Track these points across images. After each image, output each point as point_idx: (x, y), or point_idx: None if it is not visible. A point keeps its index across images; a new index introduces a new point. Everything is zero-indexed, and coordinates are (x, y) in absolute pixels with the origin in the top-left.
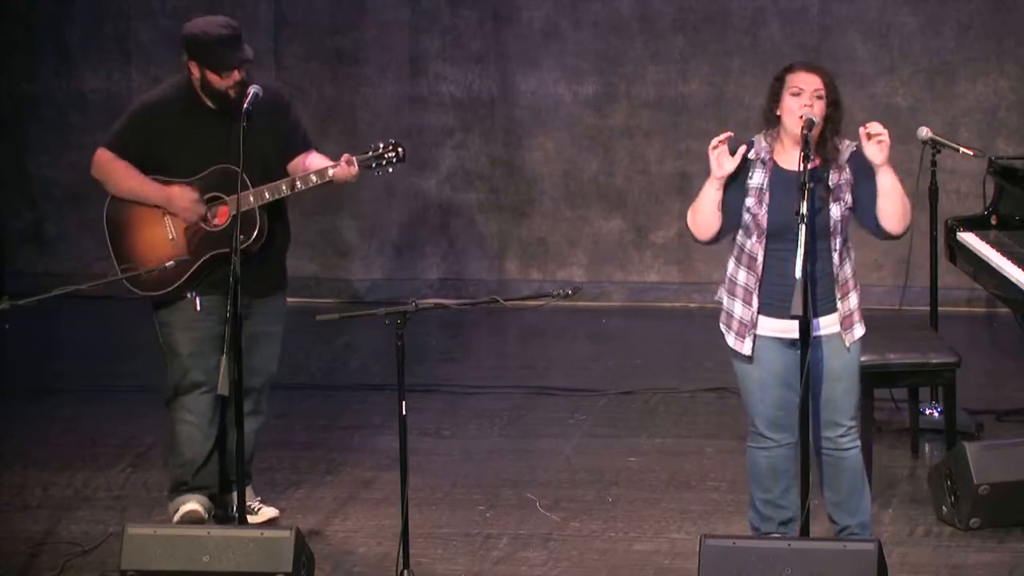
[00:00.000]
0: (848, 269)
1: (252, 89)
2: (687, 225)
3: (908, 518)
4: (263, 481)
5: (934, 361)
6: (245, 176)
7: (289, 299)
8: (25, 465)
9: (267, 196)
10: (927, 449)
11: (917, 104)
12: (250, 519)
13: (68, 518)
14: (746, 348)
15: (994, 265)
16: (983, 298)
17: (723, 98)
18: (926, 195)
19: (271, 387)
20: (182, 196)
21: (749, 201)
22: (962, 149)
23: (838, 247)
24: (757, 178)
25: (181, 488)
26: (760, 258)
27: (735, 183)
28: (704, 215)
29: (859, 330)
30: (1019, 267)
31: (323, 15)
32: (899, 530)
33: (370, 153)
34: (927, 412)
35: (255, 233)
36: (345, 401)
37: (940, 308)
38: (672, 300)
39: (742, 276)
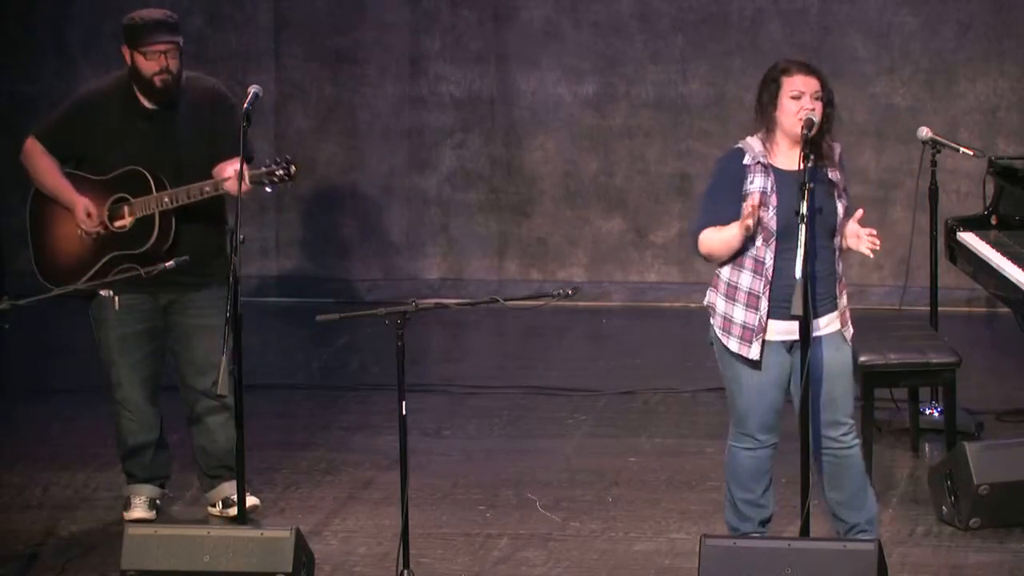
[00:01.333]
0: (841, 267)
1: (252, 89)
2: (698, 250)
3: (908, 518)
4: (263, 481)
5: (934, 361)
6: (149, 176)
7: (289, 299)
8: (25, 465)
9: (167, 202)
10: (927, 449)
11: (917, 104)
12: (232, 512)
13: (68, 518)
14: (753, 353)
15: (994, 265)
16: (983, 298)
17: (723, 98)
18: (926, 195)
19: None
20: (82, 210)
21: (743, 206)
22: (962, 149)
23: (836, 245)
24: (758, 182)
25: (131, 479)
26: (770, 261)
27: (737, 195)
28: (723, 254)
29: (849, 327)
30: (1019, 267)
31: (323, 15)
32: (899, 530)
33: (262, 169)
34: (927, 412)
35: (153, 237)
36: (345, 401)
37: (940, 308)
38: (672, 300)
39: (746, 280)
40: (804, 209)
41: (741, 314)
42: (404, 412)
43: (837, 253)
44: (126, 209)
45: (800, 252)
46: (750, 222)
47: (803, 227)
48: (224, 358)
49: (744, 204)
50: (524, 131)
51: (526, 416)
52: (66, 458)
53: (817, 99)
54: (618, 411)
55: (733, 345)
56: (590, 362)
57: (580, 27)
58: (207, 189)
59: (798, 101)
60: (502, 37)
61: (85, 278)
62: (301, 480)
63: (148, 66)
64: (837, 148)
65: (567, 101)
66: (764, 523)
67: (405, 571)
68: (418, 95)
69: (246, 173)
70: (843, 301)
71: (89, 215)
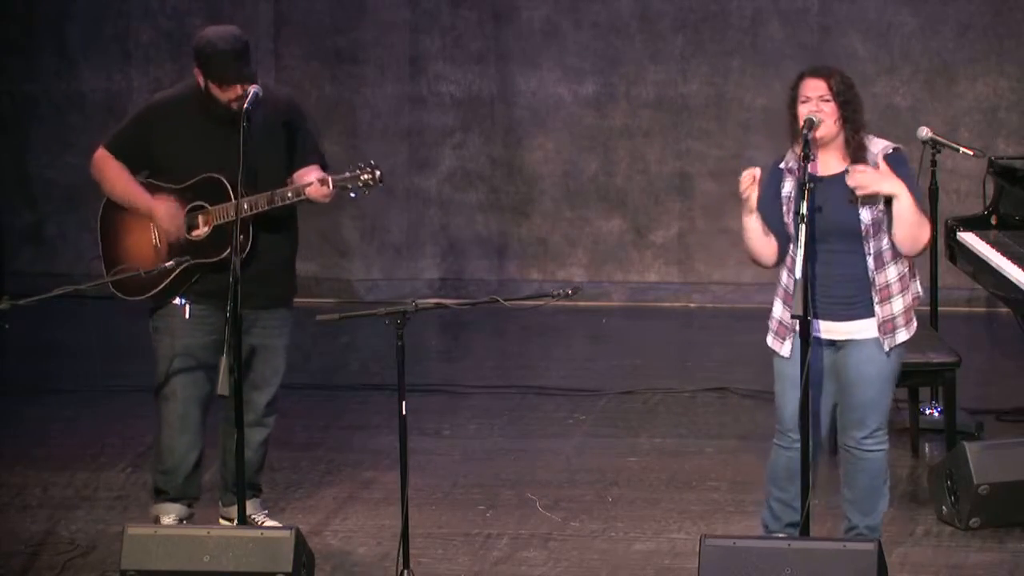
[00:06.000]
0: (891, 273)
1: (252, 89)
2: (751, 260)
3: (908, 518)
4: (264, 481)
5: (934, 361)
6: (228, 184)
7: None
8: (25, 465)
9: (247, 209)
10: (927, 449)
11: (917, 104)
12: None
13: (68, 518)
14: (784, 350)
15: (994, 265)
16: (983, 298)
17: (723, 98)
18: (926, 195)
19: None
20: (165, 211)
21: (783, 210)
22: (962, 149)
23: (873, 251)
24: (787, 188)
25: (161, 496)
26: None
27: (773, 201)
28: (755, 244)
29: (902, 334)
30: (1019, 267)
31: (323, 15)
32: (899, 530)
33: (346, 174)
34: (927, 412)
35: (239, 243)
36: (345, 401)
37: (940, 308)
38: (672, 300)
39: (783, 278)
40: (804, 209)
41: (779, 309)
42: (404, 412)
43: (871, 259)
44: (201, 218)
45: (800, 252)
46: (745, 196)
47: (803, 227)
48: (224, 358)
49: (742, 185)
50: (524, 131)
51: (526, 416)
52: (66, 458)
53: (825, 101)
54: (618, 411)
55: (768, 338)
56: (590, 362)
57: (580, 27)
58: (288, 195)
59: (806, 105)
60: (502, 37)
61: (160, 288)
62: (301, 480)
63: (223, 95)
64: (880, 150)
65: (567, 101)
66: (793, 526)
67: (405, 571)
68: (418, 95)
69: (321, 179)
70: (889, 308)
71: (171, 214)
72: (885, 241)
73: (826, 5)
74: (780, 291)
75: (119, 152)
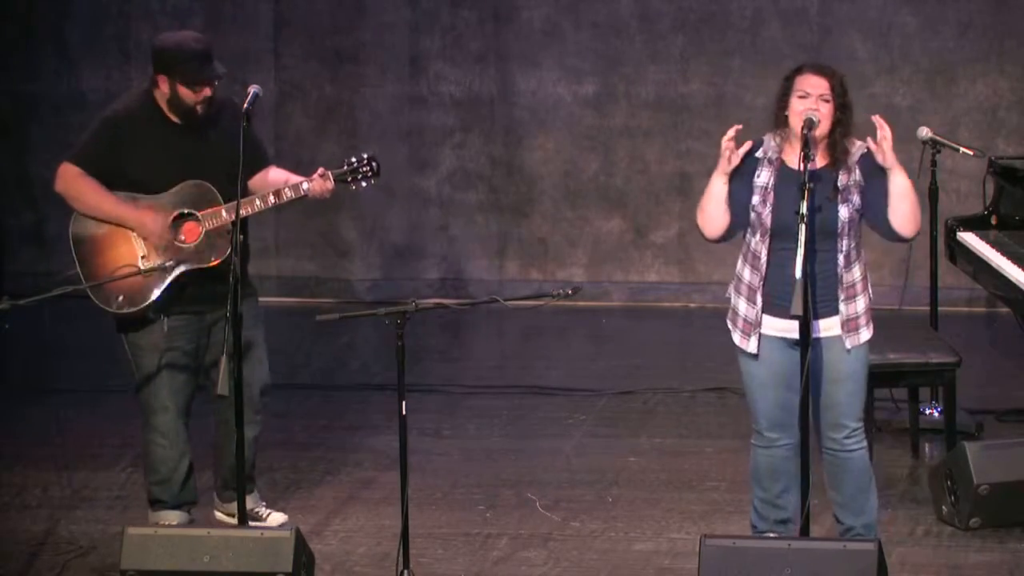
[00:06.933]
0: (856, 272)
1: (252, 89)
2: (697, 223)
3: (908, 518)
4: (263, 481)
5: (934, 361)
6: (215, 189)
7: (289, 299)
8: (25, 465)
9: (242, 212)
10: (927, 449)
11: (917, 104)
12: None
13: (68, 518)
14: (751, 346)
15: (994, 265)
16: (983, 298)
17: (723, 98)
18: (926, 195)
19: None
20: (154, 222)
21: (755, 199)
22: (962, 149)
23: (844, 249)
24: (763, 177)
25: (159, 505)
26: (764, 257)
27: (742, 179)
28: (712, 210)
29: (865, 334)
30: (1019, 267)
31: (323, 15)
32: (899, 530)
33: (344, 168)
34: (927, 412)
35: (229, 249)
36: (345, 401)
37: (940, 308)
38: (672, 300)
39: (747, 274)
40: (804, 209)
41: (743, 307)
42: (404, 412)
43: (841, 256)
44: (192, 224)
45: (800, 252)
46: (725, 152)
47: (803, 227)
48: (224, 358)
49: (723, 140)
50: (524, 131)
51: (526, 416)
52: (66, 458)
53: (825, 101)
54: (618, 411)
55: (736, 337)
56: (590, 362)
57: (580, 27)
58: (288, 194)
59: (804, 100)
60: (502, 37)
61: (154, 298)
62: (301, 480)
63: (193, 98)
64: (857, 150)
65: (567, 101)
66: (782, 524)
67: (405, 571)
68: (418, 95)
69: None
70: (854, 307)
71: (158, 224)
72: (853, 241)
73: (826, 5)
74: (743, 288)
75: (91, 166)
